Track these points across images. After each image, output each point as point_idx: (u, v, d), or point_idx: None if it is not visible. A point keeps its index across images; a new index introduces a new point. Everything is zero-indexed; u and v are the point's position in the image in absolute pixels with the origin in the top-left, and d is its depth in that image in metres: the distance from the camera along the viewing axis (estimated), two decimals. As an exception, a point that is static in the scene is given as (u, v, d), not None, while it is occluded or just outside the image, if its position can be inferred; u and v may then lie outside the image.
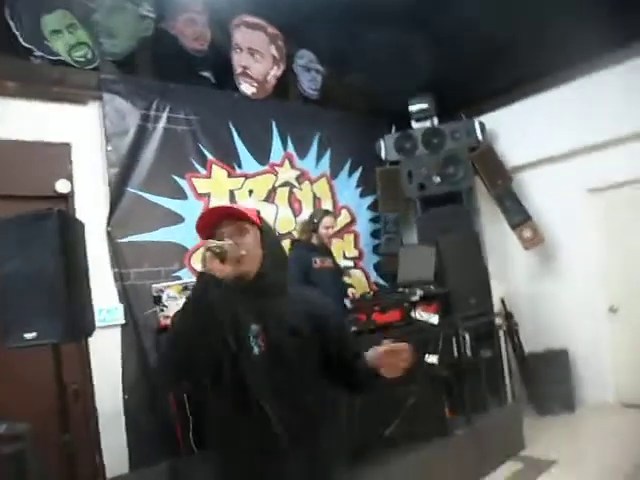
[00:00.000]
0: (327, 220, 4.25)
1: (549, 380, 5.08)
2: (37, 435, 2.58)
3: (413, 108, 5.66)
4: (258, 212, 1.80)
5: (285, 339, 1.65)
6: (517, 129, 5.42)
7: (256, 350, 1.64)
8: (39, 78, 3.83)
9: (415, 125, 5.69)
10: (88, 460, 3.50)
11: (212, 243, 1.57)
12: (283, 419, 1.60)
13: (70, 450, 2.62)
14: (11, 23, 3.71)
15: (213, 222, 1.71)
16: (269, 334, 1.65)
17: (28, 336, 2.47)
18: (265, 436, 1.60)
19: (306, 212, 5.17)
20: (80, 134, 3.98)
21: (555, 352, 5.18)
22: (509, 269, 5.77)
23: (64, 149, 3.88)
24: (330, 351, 1.74)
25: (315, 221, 4.23)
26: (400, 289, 4.19)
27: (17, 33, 3.73)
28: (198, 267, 1.63)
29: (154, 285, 3.55)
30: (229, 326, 1.63)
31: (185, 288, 3.42)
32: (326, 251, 4.34)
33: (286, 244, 4.85)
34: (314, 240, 4.24)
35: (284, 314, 1.69)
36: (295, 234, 4.92)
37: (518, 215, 5.34)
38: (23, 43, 3.76)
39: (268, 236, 1.78)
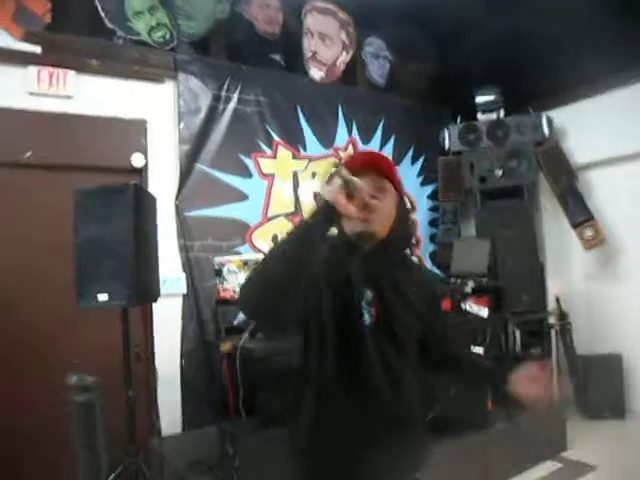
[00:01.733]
0: None
1: (599, 384, 4.98)
2: (104, 389, 2.78)
3: (479, 99, 5.60)
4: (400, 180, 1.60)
5: (400, 313, 1.49)
6: (585, 127, 5.28)
7: (367, 319, 1.46)
8: (120, 57, 4.04)
9: (480, 117, 5.64)
10: (146, 417, 3.75)
11: (346, 172, 1.30)
12: (394, 405, 1.45)
13: (132, 405, 2.86)
14: (97, 4, 3.93)
15: (359, 166, 1.45)
16: (384, 304, 1.47)
17: (101, 298, 2.70)
18: (375, 424, 1.44)
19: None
20: (155, 111, 4.19)
21: (608, 356, 5.07)
22: (568, 268, 5.67)
23: (140, 125, 4.10)
24: (435, 333, 1.64)
25: None
26: (453, 280, 4.23)
27: (102, 14, 3.95)
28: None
29: (216, 258, 3.72)
30: (340, 287, 1.46)
31: (245, 263, 3.57)
32: None
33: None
34: None
35: (402, 287, 1.52)
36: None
37: (581, 214, 5.23)
38: (107, 24, 3.98)
39: (404, 205, 1.58)
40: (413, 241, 1.74)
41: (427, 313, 1.58)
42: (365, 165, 1.47)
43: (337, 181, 1.29)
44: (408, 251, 1.71)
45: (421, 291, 1.59)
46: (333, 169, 1.34)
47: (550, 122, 5.41)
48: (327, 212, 1.30)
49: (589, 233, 5.20)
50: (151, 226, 2.96)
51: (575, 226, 5.25)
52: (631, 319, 5.08)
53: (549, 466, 4.01)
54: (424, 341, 1.60)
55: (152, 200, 3.03)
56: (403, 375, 1.49)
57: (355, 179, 1.31)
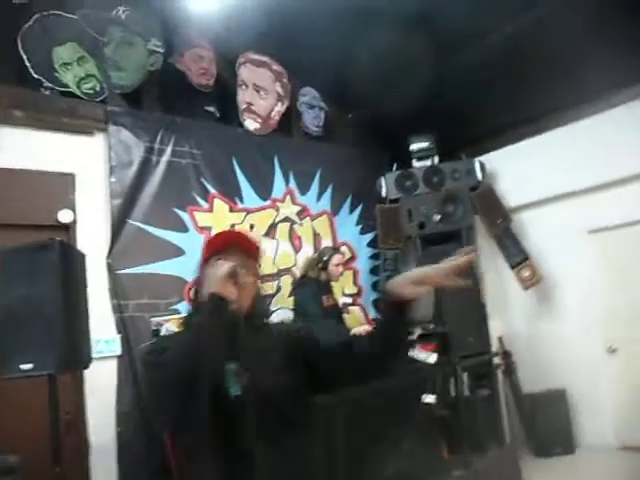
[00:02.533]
0: (337, 257, 4.41)
1: (547, 420, 5.02)
2: (28, 467, 2.55)
3: (414, 147, 5.71)
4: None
5: (269, 377, 1.51)
6: (517, 169, 5.48)
7: (235, 390, 1.47)
8: (47, 109, 3.91)
9: (416, 164, 5.74)
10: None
11: (226, 265, 1.46)
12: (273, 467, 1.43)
13: (61, 484, 2.58)
14: (23, 55, 3.78)
15: (222, 246, 1.61)
16: (253, 372, 1.50)
17: (25, 367, 2.46)
18: None
19: (306, 248, 5.21)
20: (85, 165, 4.04)
21: (553, 392, 5.13)
22: (507, 308, 5.76)
23: (68, 179, 3.93)
24: (317, 360, 1.60)
25: (325, 259, 4.35)
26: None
27: (28, 64, 3.81)
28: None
29: (153, 318, 3.54)
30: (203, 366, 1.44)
31: (184, 322, 3.40)
32: (330, 288, 4.44)
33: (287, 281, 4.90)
34: (322, 277, 4.34)
35: (266, 350, 1.57)
36: (295, 270, 4.94)
37: (517, 255, 5.36)
38: (34, 74, 3.84)
39: (260, 276, 1.70)
40: (269, 314, 1.81)
41: (298, 358, 1.58)
42: (230, 243, 1.62)
43: (226, 275, 1.43)
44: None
45: (286, 342, 1.63)
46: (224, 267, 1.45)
47: (482, 167, 5.57)
48: (218, 305, 1.42)
49: (526, 273, 5.32)
50: (80, 285, 2.76)
51: (513, 267, 5.37)
52: (572, 354, 5.18)
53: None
54: (313, 372, 1.58)
55: (81, 257, 2.84)
56: (286, 435, 1.47)
57: (235, 265, 1.47)
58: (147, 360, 1.58)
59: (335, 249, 4.65)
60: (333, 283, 4.59)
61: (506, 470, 4.22)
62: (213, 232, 4.60)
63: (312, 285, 4.32)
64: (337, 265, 4.38)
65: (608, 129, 4.80)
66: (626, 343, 4.97)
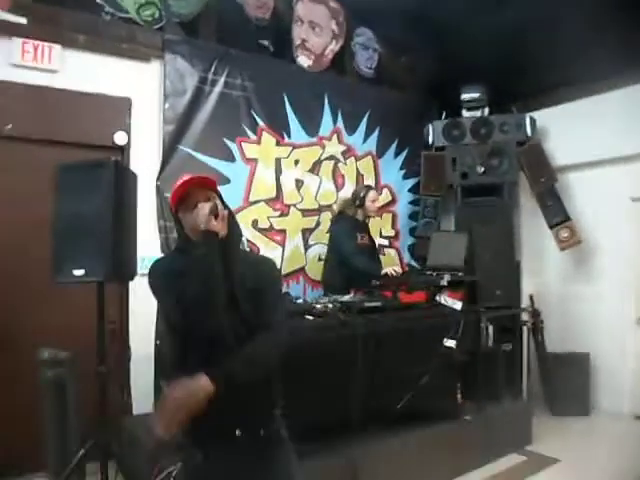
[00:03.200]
0: (372, 193, 4.52)
1: (567, 382, 5.09)
2: (77, 365, 2.80)
3: (465, 96, 5.64)
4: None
5: (244, 295, 1.78)
6: (567, 129, 5.37)
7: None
8: (107, 34, 4.02)
9: (465, 114, 5.68)
10: (118, 394, 3.74)
11: (205, 206, 1.75)
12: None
13: (103, 381, 2.86)
14: (86, -21, 3.89)
15: (183, 195, 1.83)
16: (234, 291, 1.77)
17: (77, 273, 2.68)
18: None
19: (348, 187, 5.30)
20: (141, 90, 4.17)
21: (577, 355, 5.18)
22: (543, 267, 5.77)
23: (125, 103, 4.09)
24: (260, 300, 1.84)
25: (362, 195, 4.46)
26: (429, 272, 4.28)
27: (91, -11, 3.91)
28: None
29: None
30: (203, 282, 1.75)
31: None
32: (366, 227, 4.58)
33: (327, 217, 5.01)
34: (359, 216, 4.49)
35: (243, 274, 1.82)
36: (335, 207, 5.06)
37: (558, 215, 5.31)
38: (96, -1, 3.94)
39: (224, 201, 1.91)
40: (244, 238, 1.99)
41: (259, 286, 1.83)
42: (189, 186, 1.82)
43: (208, 214, 1.72)
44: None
45: (254, 270, 1.88)
46: None
47: (533, 123, 5.48)
48: (209, 237, 1.73)
49: (565, 234, 5.29)
50: (131, 204, 2.94)
51: (552, 226, 5.34)
52: (601, 320, 5.21)
53: (513, 458, 4.09)
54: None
55: (133, 177, 3.01)
56: (246, 334, 1.75)
57: (210, 204, 1.76)
58: (155, 281, 1.86)
59: (368, 186, 4.71)
60: (371, 220, 4.71)
61: (517, 422, 4.38)
62: (260, 164, 4.77)
63: (348, 222, 4.46)
64: (373, 201, 4.50)
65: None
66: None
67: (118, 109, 4.05)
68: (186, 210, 1.81)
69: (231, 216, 1.89)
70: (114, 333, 3.57)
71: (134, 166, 3.86)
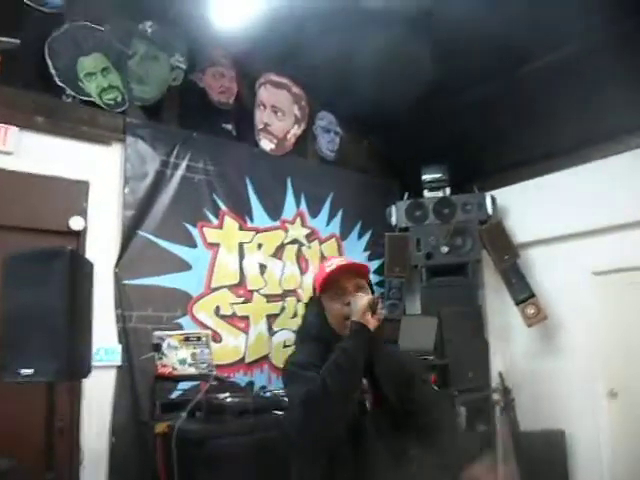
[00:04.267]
0: None
1: (543, 460, 4.93)
2: (22, 471, 2.54)
3: (426, 177, 5.73)
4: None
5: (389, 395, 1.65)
6: (528, 206, 5.48)
7: (367, 405, 1.65)
8: (68, 116, 3.94)
9: (427, 194, 5.76)
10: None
11: (364, 298, 1.65)
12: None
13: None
14: (49, 62, 3.83)
15: (332, 279, 1.76)
16: (378, 389, 1.66)
17: (25, 372, 2.46)
18: None
19: (312, 270, 5.20)
20: (100, 174, 4.06)
21: (551, 433, 5.05)
22: (510, 344, 5.71)
23: (82, 187, 3.95)
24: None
25: None
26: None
27: (53, 72, 3.85)
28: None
29: (155, 332, 3.53)
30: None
31: (187, 339, 3.39)
32: None
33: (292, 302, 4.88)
34: None
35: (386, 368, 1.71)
36: (300, 292, 4.96)
37: (523, 291, 5.32)
38: (57, 82, 3.88)
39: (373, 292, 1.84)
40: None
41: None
42: (346, 270, 1.78)
43: (365, 306, 1.62)
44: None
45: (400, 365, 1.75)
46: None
47: (494, 201, 5.58)
48: (362, 333, 1.60)
49: (531, 310, 5.28)
50: (86, 295, 2.76)
51: (518, 303, 5.33)
52: (572, 395, 5.12)
53: None
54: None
55: (89, 267, 2.85)
56: (409, 450, 1.65)
57: (371, 297, 1.68)
58: (294, 370, 1.72)
59: None
60: None
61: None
62: (222, 249, 4.64)
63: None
64: None
65: (618, 172, 4.79)
66: (628, 387, 4.90)
67: (75, 193, 3.91)
68: (333, 297, 1.74)
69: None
70: (63, 431, 3.27)
71: (91, 252, 3.72)
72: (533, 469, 4.96)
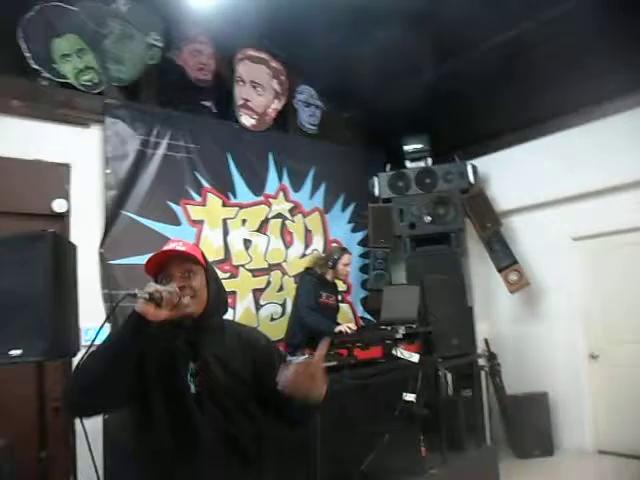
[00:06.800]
0: (346, 257, 4.54)
1: (528, 423, 5.11)
2: (16, 449, 2.60)
3: (408, 148, 5.79)
4: (202, 251, 1.84)
5: (224, 381, 1.66)
6: (508, 174, 5.56)
7: (193, 389, 1.64)
8: (45, 99, 3.94)
9: (409, 165, 5.81)
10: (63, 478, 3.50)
11: (151, 288, 1.55)
12: (220, 459, 1.61)
13: (46, 467, 2.65)
14: (23, 45, 3.82)
15: (161, 263, 1.71)
16: (209, 374, 1.65)
17: (14, 353, 2.52)
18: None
19: (297, 244, 5.29)
20: (80, 156, 4.08)
21: (535, 395, 5.21)
22: (494, 311, 5.84)
23: (63, 169, 3.97)
24: (265, 387, 1.69)
25: (335, 257, 4.48)
26: (384, 327, 4.24)
27: (28, 55, 3.84)
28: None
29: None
30: (166, 364, 1.65)
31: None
32: (334, 288, 4.59)
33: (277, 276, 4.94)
34: (328, 276, 4.49)
35: (222, 353, 1.70)
36: (285, 265, 5.03)
37: (505, 259, 5.43)
38: (32, 65, 3.87)
39: (212, 276, 1.79)
40: (227, 306, 1.91)
41: (258, 371, 1.72)
42: (170, 257, 1.71)
43: (141, 299, 1.53)
44: (226, 316, 1.89)
45: (246, 353, 1.75)
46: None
47: (475, 170, 5.63)
48: (135, 323, 1.53)
49: (514, 277, 5.39)
50: (70, 276, 2.80)
51: (500, 270, 5.44)
52: (555, 358, 5.28)
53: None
54: (262, 396, 1.72)
55: (72, 249, 2.88)
56: (236, 436, 1.65)
57: (162, 288, 1.56)
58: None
59: (344, 249, 4.75)
60: (338, 282, 4.71)
61: (483, 470, 4.32)
62: (206, 226, 4.68)
63: (313, 278, 4.43)
64: (346, 265, 4.51)
65: (598, 138, 4.87)
66: (608, 350, 5.05)
67: (56, 175, 3.93)
68: (162, 282, 1.66)
69: (213, 287, 1.76)
70: (56, 410, 3.33)
71: (75, 233, 3.76)
72: (518, 431, 5.14)
